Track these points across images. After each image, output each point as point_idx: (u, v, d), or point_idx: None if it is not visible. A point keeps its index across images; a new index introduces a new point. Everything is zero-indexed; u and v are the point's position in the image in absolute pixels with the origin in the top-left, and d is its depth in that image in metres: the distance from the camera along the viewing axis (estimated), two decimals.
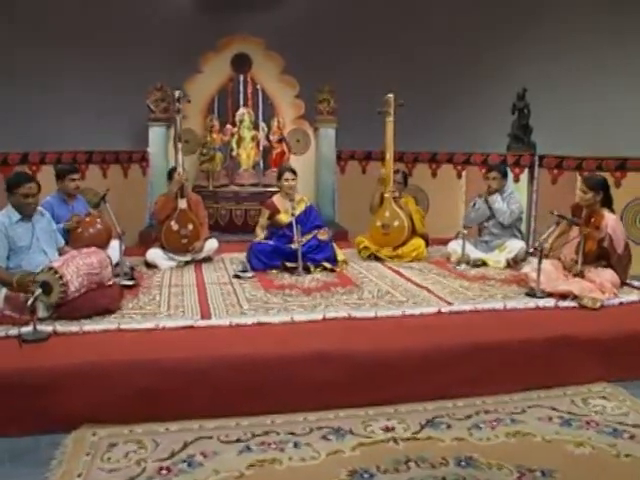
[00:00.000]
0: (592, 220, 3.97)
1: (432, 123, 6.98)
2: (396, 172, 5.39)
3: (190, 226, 4.88)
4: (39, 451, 2.58)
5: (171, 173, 5.05)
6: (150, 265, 4.83)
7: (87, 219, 4.49)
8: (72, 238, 4.28)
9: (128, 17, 7.12)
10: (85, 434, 2.70)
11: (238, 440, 2.67)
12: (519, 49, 6.72)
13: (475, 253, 5.00)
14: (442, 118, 6.82)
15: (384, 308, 3.67)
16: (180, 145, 4.93)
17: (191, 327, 3.32)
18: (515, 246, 4.94)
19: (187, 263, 4.92)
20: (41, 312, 3.30)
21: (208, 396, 2.90)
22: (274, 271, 4.65)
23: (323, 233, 4.86)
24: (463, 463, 2.51)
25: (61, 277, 3.31)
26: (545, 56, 6.46)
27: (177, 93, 5.03)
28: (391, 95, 5.31)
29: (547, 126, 6.18)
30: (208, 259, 5.06)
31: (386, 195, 5.25)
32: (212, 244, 5.07)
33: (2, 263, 3.45)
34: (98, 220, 4.53)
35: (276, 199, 5.09)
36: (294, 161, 6.99)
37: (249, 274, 4.47)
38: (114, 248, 4.40)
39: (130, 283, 4.11)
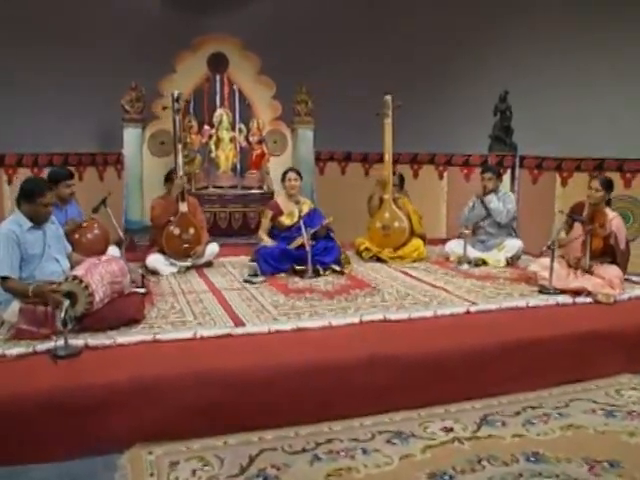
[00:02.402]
0: (596, 218, 4.14)
1: (412, 124, 7.06)
2: (392, 174, 5.41)
3: (192, 230, 4.70)
4: (97, 475, 2.41)
5: (169, 175, 4.84)
6: (150, 271, 4.61)
7: (84, 224, 4.27)
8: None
9: (100, 16, 6.79)
10: (140, 453, 2.55)
11: (304, 450, 2.60)
12: (499, 50, 6.87)
13: (474, 253, 5.09)
14: (422, 119, 6.90)
15: (414, 309, 3.67)
16: (180, 146, 4.73)
17: (229, 335, 3.19)
18: (514, 245, 5.08)
19: (188, 268, 4.74)
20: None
21: (260, 406, 2.80)
22: (282, 274, 4.55)
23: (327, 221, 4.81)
24: (532, 459, 2.55)
25: (87, 287, 3.10)
26: (525, 58, 6.64)
27: (176, 93, 4.83)
28: (389, 97, 5.33)
29: (526, 127, 6.38)
30: (209, 264, 4.89)
31: (386, 197, 5.27)
32: (213, 248, 4.90)
33: (15, 273, 3.21)
34: (96, 225, 4.34)
35: (280, 200, 5.00)
36: (272, 163, 6.91)
37: (260, 278, 4.36)
38: (113, 254, 4.19)
39: (142, 291, 3.90)
